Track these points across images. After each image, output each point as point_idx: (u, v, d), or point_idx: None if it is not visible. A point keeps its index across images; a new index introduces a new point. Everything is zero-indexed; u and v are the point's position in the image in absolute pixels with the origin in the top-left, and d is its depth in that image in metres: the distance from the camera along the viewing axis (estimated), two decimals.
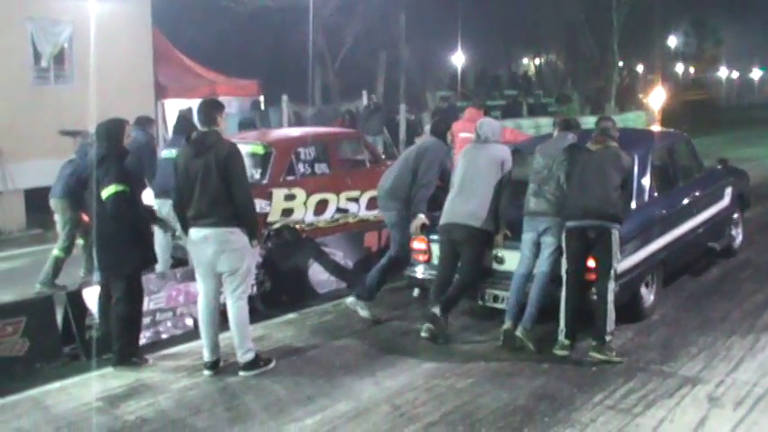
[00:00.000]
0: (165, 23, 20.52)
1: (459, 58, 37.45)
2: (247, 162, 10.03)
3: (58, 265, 9.63)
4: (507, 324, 7.13)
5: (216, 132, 6.62)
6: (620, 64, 45.81)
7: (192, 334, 7.66)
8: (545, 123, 29.81)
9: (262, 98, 22.30)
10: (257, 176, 10.07)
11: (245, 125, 19.45)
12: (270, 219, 9.94)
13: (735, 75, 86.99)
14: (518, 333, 7.04)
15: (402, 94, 33.67)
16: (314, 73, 30.22)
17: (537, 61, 57.76)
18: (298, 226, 10.28)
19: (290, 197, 10.23)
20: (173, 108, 18.03)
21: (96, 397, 6.31)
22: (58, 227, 9.75)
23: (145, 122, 10.08)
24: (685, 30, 56.77)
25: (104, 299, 7.00)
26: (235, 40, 30.97)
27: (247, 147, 10.28)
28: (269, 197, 9.97)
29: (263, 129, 18.63)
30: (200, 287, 6.79)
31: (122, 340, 6.85)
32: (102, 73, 15.13)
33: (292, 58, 31.35)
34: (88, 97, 14.02)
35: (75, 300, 7.32)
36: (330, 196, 10.72)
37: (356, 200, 10.98)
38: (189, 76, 19.93)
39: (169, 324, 7.87)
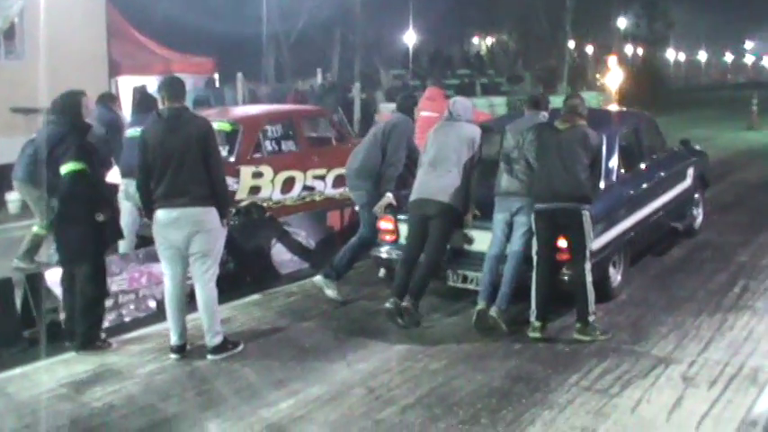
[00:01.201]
0: None
1: (410, 37, 37.33)
2: None
3: (37, 242, 9.39)
4: (481, 304, 7.06)
5: (188, 108, 6.49)
6: (572, 45, 46.10)
7: (156, 316, 7.51)
8: (499, 103, 30.02)
9: (216, 76, 22.03)
10: (225, 154, 9.93)
11: (200, 103, 19.19)
12: (238, 196, 9.83)
13: (682, 57, 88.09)
14: (492, 313, 6.97)
15: (357, 72, 33.51)
16: (268, 51, 29.94)
17: (488, 41, 57.86)
18: (265, 204, 10.17)
19: (258, 175, 10.13)
20: (126, 85, 17.72)
21: (60, 383, 6.11)
22: (31, 206, 9.51)
23: (108, 99, 9.85)
24: (636, 11, 57.19)
25: (68, 282, 6.77)
26: (189, 16, 30.51)
27: (214, 124, 10.10)
28: (237, 174, 9.85)
29: (228, 106, 18.43)
30: (167, 271, 6.57)
31: (86, 324, 6.64)
32: (55, 49, 14.73)
33: (246, 35, 30.96)
34: (40, 74, 13.66)
35: (36, 282, 7.08)
36: (297, 174, 10.61)
37: (323, 178, 10.88)
38: (143, 52, 19.60)
39: (132, 307, 7.68)
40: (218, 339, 6.57)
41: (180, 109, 6.38)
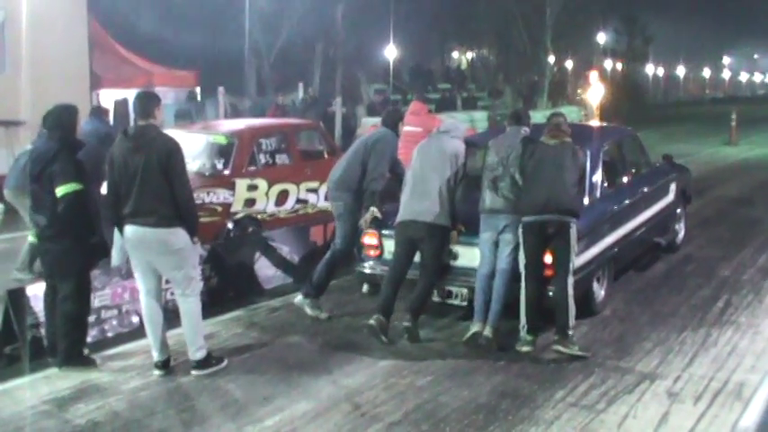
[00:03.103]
0: (100, 12, 20.05)
1: (391, 52, 37.36)
2: (210, 152, 10.15)
3: (34, 252, 9.31)
4: (476, 327, 7.02)
5: (155, 126, 6.39)
6: (552, 60, 46.27)
7: (139, 332, 7.39)
8: (480, 117, 29.99)
9: (198, 89, 21.99)
10: (220, 166, 10.10)
11: (182, 116, 19.17)
12: (233, 209, 9.93)
13: (660, 71, 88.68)
14: (488, 333, 6.95)
15: (338, 87, 33.49)
16: (249, 65, 29.91)
17: (469, 55, 57.98)
18: (259, 216, 10.27)
19: (253, 187, 10.22)
20: (108, 98, 17.67)
21: (42, 400, 6.03)
22: (23, 215, 9.42)
23: (102, 112, 9.83)
24: (616, 27, 57.64)
25: (50, 297, 6.69)
26: (171, 30, 30.44)
27: (210, 137, 10.43)
28: (232, 187, 9.94)
29: (210, 119, 18.43)
30: (141, 286, 6.56)
31: (69, 340, 6.55)
32: (36, 62, 14.66)
33: (228, 49, 30.93)
34: (21, 86, 13.58)
35: (17, 297, 6.99)
36: (291, 187, 10.73)
37: (315, 191, 10.96)
38: (125, 65, 19.56)
39: (115, 322, 7.61)
40: (201, 354, 6.52)
41: (145, 127, 6.31)
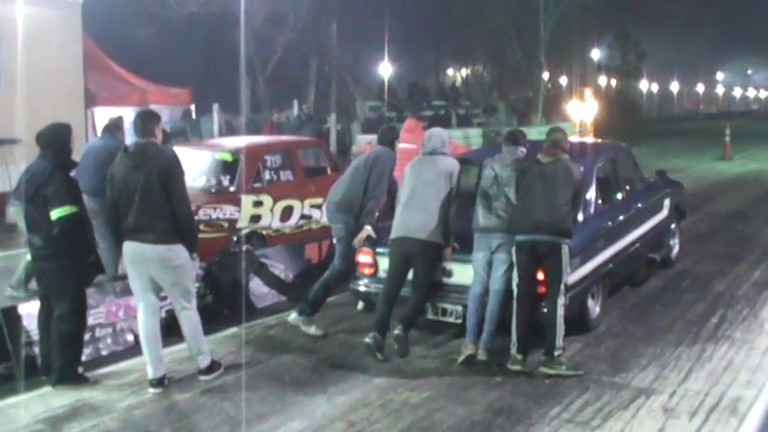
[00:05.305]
0: (95, 30, 20.10)
1: (386, 69, 37.43)
2: (216, 169, 10.36)
3: (31, 271, 9.29)
4: (470, 349, 6.97)
5: (155, 144, 6.47)
6: (546, 76, 46.38)
7: (134, 350, 7.40)
8: (474, 134, 30.05)
9: (193, 107, 22.02)
10: (226, 183, 10.28)
11: (177, 134, 19.13)
12: (239, 225, 10.09)
13: (655, 87, 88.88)
14: (482, 356, 6.93)
15: (333, 104, 33.55)
16: (244, 82, 29.95)
17: (463, 72, 58.13)
18: (264, 232, 10.44)
19: (258, 203, 10.40)
20: (103, 116, 17.67)
21: (36, 419, 6.01)
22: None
23: (114, 129, 9.82)
24: (609, 42, 57.71)
25: (45, 315, 6.67)
26: (165, 47, 30.52)
27: (215, 154, 10.61)
28: (238, 203, 10.10)
29: (205, 137, 18.49)
30: (140, 302, 6.61)
31: (63, 358, 6.53)
32: (31, 79, 14.71)
33: (222, 66, 31.02)
34: (16, 104, 13.59)
35: (10, 316, 6.98)
36: (295, 203, 10.91)
37: (319, 206, 11.01)
38: (120, 83, 19.61)
39: (109, 340, 7.59)
40: (207, 361, 6.75)
41: (145, 144, 6.40)
